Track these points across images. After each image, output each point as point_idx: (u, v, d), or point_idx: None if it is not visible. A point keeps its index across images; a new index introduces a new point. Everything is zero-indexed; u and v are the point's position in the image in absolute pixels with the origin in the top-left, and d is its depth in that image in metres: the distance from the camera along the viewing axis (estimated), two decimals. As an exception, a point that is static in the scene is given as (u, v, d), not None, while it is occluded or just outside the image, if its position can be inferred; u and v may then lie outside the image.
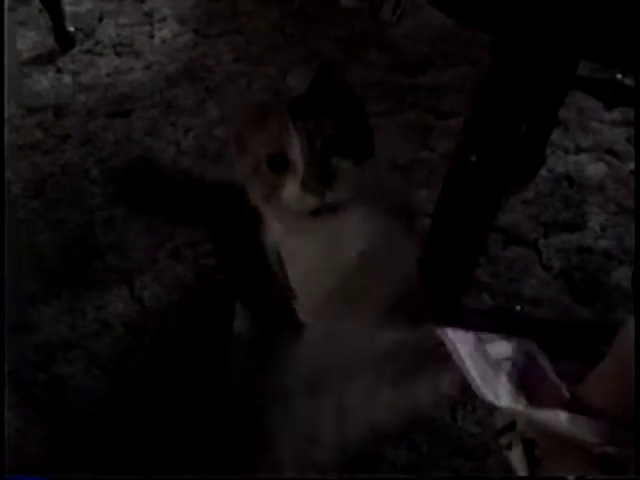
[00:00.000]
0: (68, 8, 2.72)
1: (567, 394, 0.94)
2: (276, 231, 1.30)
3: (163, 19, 2.80)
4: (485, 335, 1.04)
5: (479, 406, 1.52)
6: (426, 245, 1.32)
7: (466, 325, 1.38)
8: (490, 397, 0.95)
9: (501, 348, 1.04)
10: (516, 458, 1.08)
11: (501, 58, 1.11)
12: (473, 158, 1.17)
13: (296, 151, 1.14)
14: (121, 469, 1.51)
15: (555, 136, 2.11)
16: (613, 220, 1.93)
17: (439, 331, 1.05)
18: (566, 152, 2.13)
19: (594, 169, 2.08)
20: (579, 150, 2.14)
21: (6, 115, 2.29)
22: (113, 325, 1.77)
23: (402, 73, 2.46)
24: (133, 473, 1.50)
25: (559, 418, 0.85)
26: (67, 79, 2.54)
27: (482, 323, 1.40)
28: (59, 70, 2.58)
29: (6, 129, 2.25)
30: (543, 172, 2.06)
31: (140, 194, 1.82)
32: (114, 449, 1.55)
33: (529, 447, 0.98)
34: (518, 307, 1.63)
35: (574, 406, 0.87)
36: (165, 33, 2.73)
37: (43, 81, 2.53)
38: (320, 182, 1.15)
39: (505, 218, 1.92)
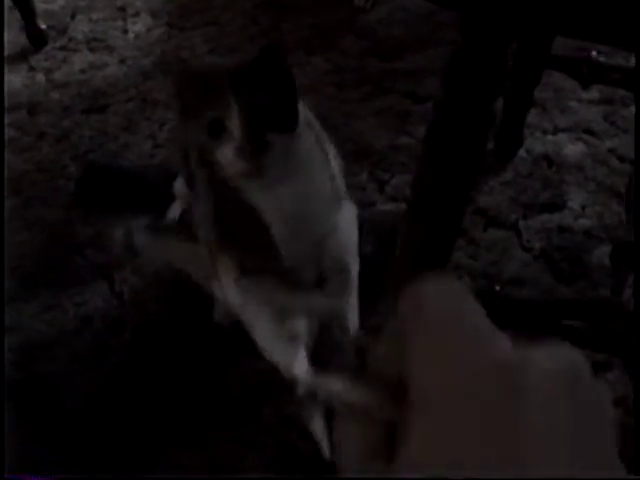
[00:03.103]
0: (40, 5, 2.70)
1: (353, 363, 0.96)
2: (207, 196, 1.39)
3: (136, 13, 2.78)
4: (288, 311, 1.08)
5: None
6: (402, 229, 1.31)
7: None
8: (283, 366, 0.97)
9: (301, 324, 1.06)
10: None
11: (471, 37, 1.10)
12: (445, 139, 1.16)
13: (234, 119, 1.22)
14: (105, 465, 1.51)
15: (533, 117, 2.10)
16: (593, 199, 1.93)
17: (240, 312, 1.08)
18: (544, 133, 2.13)
19: (572, 149, 2.08)
20: (557, 130, 2.14)
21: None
22: (93, 321, 1.77)
23: (378, 58, 2.45)
24: (117, 468, 1.50)
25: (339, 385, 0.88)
26: (40, 77, 2.52)
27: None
28: (32, 68, 2.56)
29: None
30: (522, 153, 2.06)
31: (116, 190, 1.81)
32: (98, 445, 1.55)
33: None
34: (497, 287, 1.63)
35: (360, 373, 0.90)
36: (139, 27, 2.71)
37: (16, 80, 2.51)
38: (252, 149, 1.23)
39: (484, 200, 1.92)
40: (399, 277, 1.29)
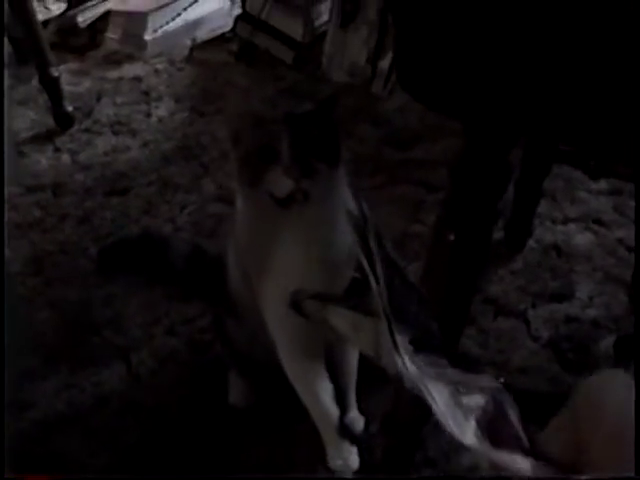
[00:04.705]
0: (67, 87, 2.78)
1: (527, 443, 1.00)
2: (247, 222, 1.49)
3: (160, 98, 2.85)
4: (462, 387, 1.10)
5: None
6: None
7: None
8: (457, 434, 1.01)
9: (475, 399, 1.09)
10: None
11: (474, 142, 1.15)
12: (451, 237, 1.21)
13: (285, 143, 1.33)
14: None
15: (543, 207, 2.15)
16: (601, 289, 1.96)
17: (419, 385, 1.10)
18: (554, 222, 2.17)
19: (582, 238, 2.12)
20: (567, 220, 2.18)
21: (5, 194, 2.32)
22: (110, 400, 1.79)
23: (393, 147, 2.51)
24: None
25: (516, 462, 0.93)
26: (65, 158, 2.58)
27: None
28: (57, 149, 2.62)
29: (5, 207, 2.28)
30: (531, 243, 2.10)
31: (137, 271, 1.86)
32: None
33: None
34: (501, 379, 1.65)
35: (533, 453, 0.94)
36: (162, 112, 2.78)
37: (42, 160, 2.57)
38: (299, 170, 1.34)
39: (494, 289, 1.96)
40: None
